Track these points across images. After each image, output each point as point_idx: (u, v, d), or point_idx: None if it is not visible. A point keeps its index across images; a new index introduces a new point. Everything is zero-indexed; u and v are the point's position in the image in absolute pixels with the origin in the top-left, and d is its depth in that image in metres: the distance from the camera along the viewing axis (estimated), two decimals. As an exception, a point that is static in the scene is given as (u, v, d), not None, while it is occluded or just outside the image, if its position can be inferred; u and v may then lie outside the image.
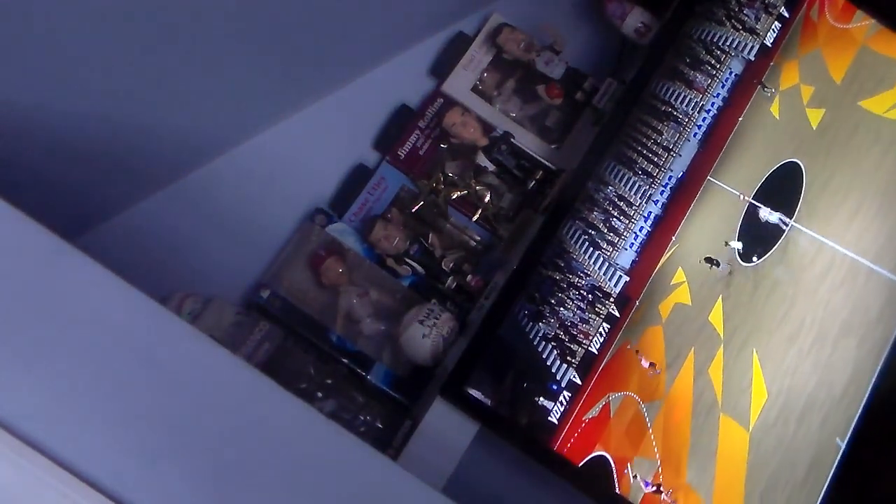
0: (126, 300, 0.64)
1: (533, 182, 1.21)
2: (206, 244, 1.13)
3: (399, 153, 1.22)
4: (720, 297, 1.07)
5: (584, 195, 1.07)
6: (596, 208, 1.07)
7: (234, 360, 0.66)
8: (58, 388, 0.60)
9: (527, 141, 1.24)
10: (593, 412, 1.02)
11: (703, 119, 1.13)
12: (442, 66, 1.26)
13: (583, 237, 1.06)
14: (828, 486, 0.99)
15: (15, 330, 0.60)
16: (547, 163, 1.22)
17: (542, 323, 1.03)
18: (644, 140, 1.11)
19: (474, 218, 1.21)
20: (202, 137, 1.12)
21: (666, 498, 0.99)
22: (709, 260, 1.07)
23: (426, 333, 1.05)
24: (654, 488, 0.99)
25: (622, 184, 1.09)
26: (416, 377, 1.11)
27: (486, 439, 0.99)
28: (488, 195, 1.21)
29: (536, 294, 1.04)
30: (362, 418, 1.07)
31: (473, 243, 1.21)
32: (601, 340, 1.04)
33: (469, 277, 1.16)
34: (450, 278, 1.17)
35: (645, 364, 1.04)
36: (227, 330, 1.06)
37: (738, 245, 1.08)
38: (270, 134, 1.20)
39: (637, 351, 1.04)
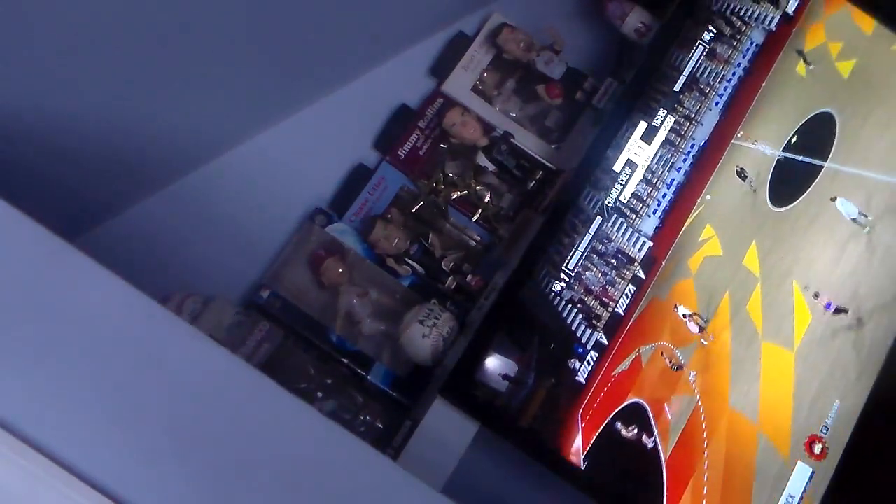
0: (126, 300, 0.64)
1: (533, 182, 1.22)
2: (206, 244, 1.13)
3: (399, 153, 1.22)
4: (753, 242, 1.09)
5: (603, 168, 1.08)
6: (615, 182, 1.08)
7: (235, 360, 0.66)
8: (58, 388, 0.60)
9: (527, 141, 1.24)
10: (623, 366, 1.03)
11: (725, 88, 1.13)
12: (442, 66, 1.26)
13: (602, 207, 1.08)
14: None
15: (14, 330, 0.60)
16: (547, 163, 1.22)
17: (566, 288, 1.03)
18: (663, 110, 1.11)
19: (474, 218, 1.21)
20: (202, 137, 1.12)
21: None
22: (740, 174, 1.09)
23: (426, 333, 1.05)
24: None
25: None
26: (416, 377, 1.11)
27: (486, 439, 0.99)
28: (488, 195, 1.21)
29: (559, 260, 1.04)
30: (362, 418, 1.07)
31: (473, 243, 1.21)
32: (627, 301, 1.04)
33: (469, 277, 1.16)
34: (450, 278, 1.17)
35: (682, 313, 1.05)
36: (227, 330, 1.06)
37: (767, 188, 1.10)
38: (270, 134, 1.20)
39: (675, 306, 1.05)
